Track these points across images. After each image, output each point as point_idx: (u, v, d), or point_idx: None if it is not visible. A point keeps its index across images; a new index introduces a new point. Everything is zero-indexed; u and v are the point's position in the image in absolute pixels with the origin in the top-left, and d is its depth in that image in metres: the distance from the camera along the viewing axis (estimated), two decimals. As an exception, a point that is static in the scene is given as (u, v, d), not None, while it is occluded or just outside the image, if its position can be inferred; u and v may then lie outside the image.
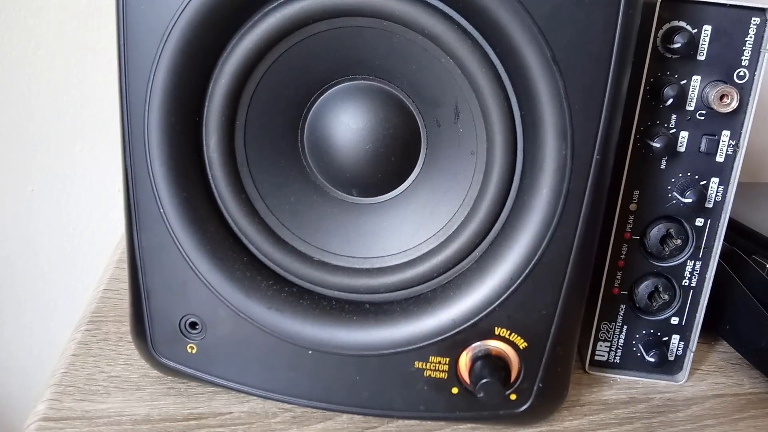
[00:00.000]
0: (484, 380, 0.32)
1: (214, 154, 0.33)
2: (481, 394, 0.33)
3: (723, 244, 0.46)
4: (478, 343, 0.34)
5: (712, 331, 0.45)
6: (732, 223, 0.55)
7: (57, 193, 0.70)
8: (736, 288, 0.44)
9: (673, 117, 0.35)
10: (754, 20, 0.34)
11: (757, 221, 0.57)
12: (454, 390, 0.34)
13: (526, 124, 0.31)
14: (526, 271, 0.32)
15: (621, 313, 0.40)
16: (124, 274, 0.45)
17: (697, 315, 0.39)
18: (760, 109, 0.72)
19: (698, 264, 0.38)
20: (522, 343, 0.33)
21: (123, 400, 0.36)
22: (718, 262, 0.39)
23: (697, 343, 0.41)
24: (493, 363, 0.33)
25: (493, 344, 0.33)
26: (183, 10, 0.30)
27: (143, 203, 0.33)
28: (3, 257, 0.71)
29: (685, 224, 0.38)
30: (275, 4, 0.31)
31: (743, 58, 0.35)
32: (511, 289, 0.32)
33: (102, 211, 0.71)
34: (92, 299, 0.46)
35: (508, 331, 0.33)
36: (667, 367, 0.41)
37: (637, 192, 0.37)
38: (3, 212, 0.70)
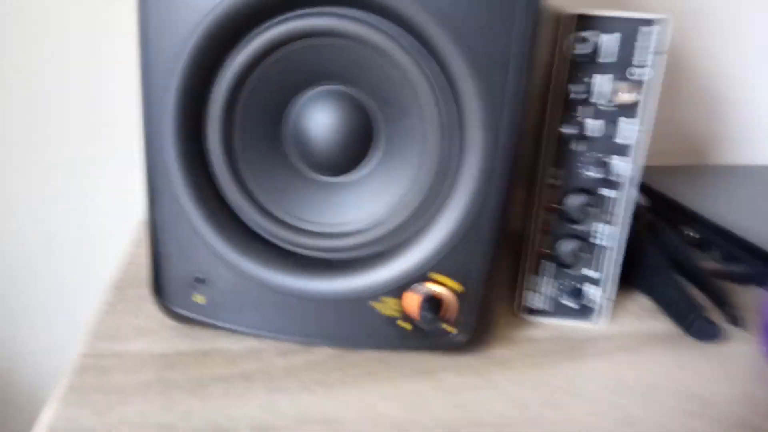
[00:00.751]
0: (427, 315, 0.37)
1: (215, 145, 0.37)
2: (425, 327, 0.38)
3: (649, 215, 0.52)
4: (423, 286, 0.38)
5: (630, 286, 0.51)
6: (665, 199, 0.62)
7: (75, 187, 0.72)
8: (650, 248, 0.50)
9: (579, 108, 0.41)
10: (646, 29, 0.39)
11: (694, 198, 0.63)
12: (405, 325, 0.39)
13: (455, 118, 0.35)
14: (460, 231, 0.37)
15: (546, 269, 0.45)
16: (141, 252, 0.52)
17: (612, 269, 0.44)
18: (700, 97, 0.78)
19: (609, 227, 0.44)
20: (457, 287, 0.39)
21: (146, 342, 0.41)
22: (634, 227, 0.45)
23: (617, 294, 0.46)
24: (434, 302, 0.38)
25: (435, 288, 0.38)
26: (193, 31, 0.34)
27: (160, 186, 0.38)
28: (25, 248, 0.74)
29: (597, 194, 0.43)
30: (262, 28, 0.34)
31: (638, 59, 0.40)
32: (449, 247, 0.37)
33: (117, 203, 0.73)
34: (116, 269, 0.52)
35: (447, 278, 0.38)
36: (588, 312, 0.46)
37: (554, 169, 0.42)
38: (23, 204, 0.72)
